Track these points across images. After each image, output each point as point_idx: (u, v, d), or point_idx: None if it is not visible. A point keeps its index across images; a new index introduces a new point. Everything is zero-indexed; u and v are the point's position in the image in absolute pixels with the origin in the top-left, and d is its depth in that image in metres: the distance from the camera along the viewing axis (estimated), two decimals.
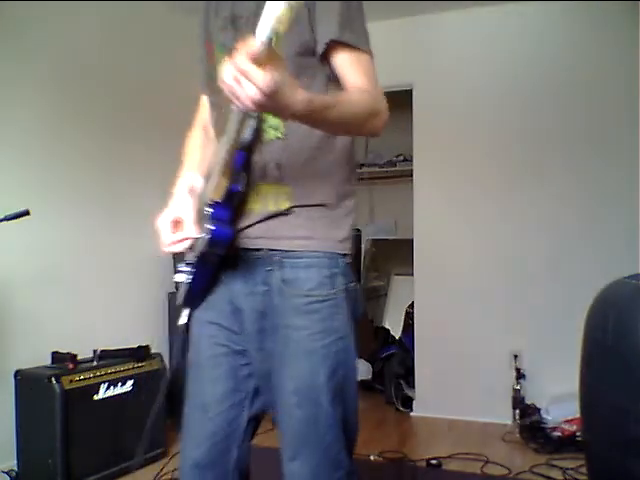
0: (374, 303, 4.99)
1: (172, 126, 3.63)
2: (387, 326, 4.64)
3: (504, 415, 3.44)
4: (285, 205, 1.20)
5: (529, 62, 3.56)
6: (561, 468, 2.74)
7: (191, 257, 1.24)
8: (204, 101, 1.43)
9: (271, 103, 0.90)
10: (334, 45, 1.16)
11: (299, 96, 0.95)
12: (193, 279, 1.25)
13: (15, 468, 2.51)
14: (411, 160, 4.02)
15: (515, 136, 3.60)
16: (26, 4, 2.73)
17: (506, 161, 3.62)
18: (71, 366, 2.54)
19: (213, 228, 1.14)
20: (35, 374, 2.49)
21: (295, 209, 1.21)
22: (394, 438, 3.23)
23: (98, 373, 2.60)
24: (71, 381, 2.46)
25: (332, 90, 1.21)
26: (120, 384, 2.68)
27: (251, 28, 1.18)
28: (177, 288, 1.37)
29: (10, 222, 1.97)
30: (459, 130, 3.71)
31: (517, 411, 3.36)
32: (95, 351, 2.72)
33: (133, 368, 2.77)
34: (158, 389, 2.88)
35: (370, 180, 4.96)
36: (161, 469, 2.73)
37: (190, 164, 1.39)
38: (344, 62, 1.18)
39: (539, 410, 3.27)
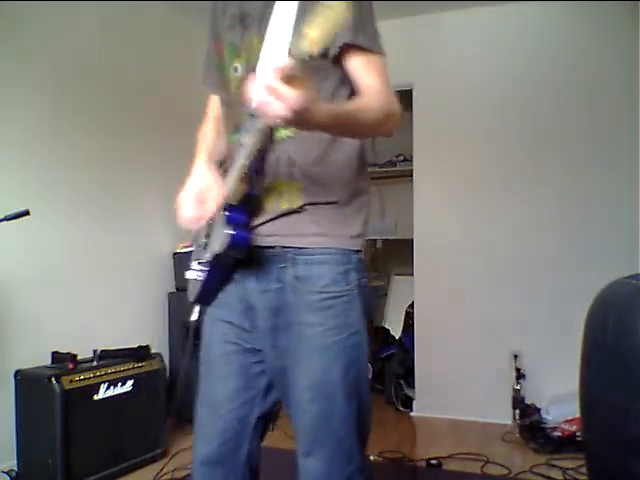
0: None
1: (172, 126, 3.65)
2: (387, 326, 4.64)
3: (504, 415, 3.44)
4: (297, 203, 1.21)
5: (529, 62, 3.56)
6: (561, 468, 2.74)
7: (206, 257, 1.25)
8: (214, 99, 1.45)
9: (298, 119, 0.93)
10: (347, 48, 1.17)
11: (324, 111, 0.99)
12: (207, 278, 1.26)
13: (15, 468, 2.50)
14: (411, 160, 4.01)
15: (515, 136, 3.60)
16: (26, 4, 2.73)
17: (506, 161, 3.62)
18: (71, 366, 2.54)
19: (233, 233, 1.16)
20: (35, 374, 2.48)
21: (307, 206, 1.22)
22: (394, 438, 3.23)
23: (98, 373, 2.60)
24: (71, 381, 2.46)
25: (343, 90, 1.23)
26: (120, 384, 2.68)
27: (259, 27, 1.19)
28: (187, 285, 1.38)
29: (10, 222, 1.97)
30: (459, 130, 3.71)
31: (517, 411, 3.36)
32: (95, 351, 2.71)
33: (133, 368, 2.76)
34: (158, 389, 2.89)
35: (370, 180, 4.94)
36: (161, 469, 2.73)
37: (205, 153, 1.39)
38: (357, 65, 1.19)
39: (539, 410, 3.27)
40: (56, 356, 2.64)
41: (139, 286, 3.45)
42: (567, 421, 3.03)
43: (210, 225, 1.28)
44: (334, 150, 1.23)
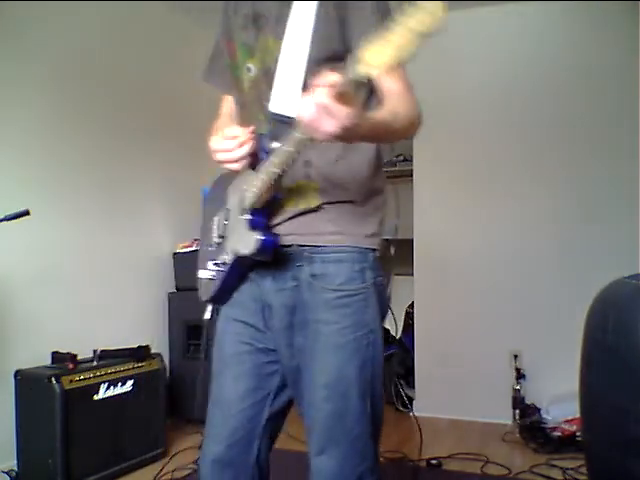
0: None
1: (172, 126, 3.66)
2: (387, 326, 4.64)
3: (504, 415, 3.43)
4: (315, 202, 1.22)
5: (529, 62, 3.56)
6: (561, 468, 2.73)
7: (223, 257, 1.26)
8: (227, 98, 1.45)
9: (348, 135, 0.95)
10: None
11: (367, 124, 1.01)
12: (225, 277, 1.27)
13: (15, 468, 2.50)
14: (411, 160, 4.01)
15: (515, 136, 3.59)
16: (26, 4, 2.73)
17: (506, 161, 3.62)
18: (71, 366, 2.54)
19: (263, 238, 1.16)
20: (35, 374, 2.48)
21: (324, 206, 1.22)
22: (394, 438, 3.23)
23: (98, 373, 2.60)
24: (71, 381, 2.46)
25: (374, 99, 1.22)
26: (120, 384, 2.68)
27: (276, 27, 1.19)
28: (199, 284, 1.39)
29: (10, 222, 1.97)
30: (459, 130, 3.71)
31: (517, 411, 3.35)
32: (95, 351, 2.71)
33: (133, 368, 2.76)
34: (158, 389, 2.89)
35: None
36: (161, 469, 2.73)
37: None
38: None
39: (539, 410, 3.27)
40: (56, 356, 2.64)
41: (139, 286, 3.45)
42: (567, 421, 3.03)
43: (224, 225, 1.29)
44: (351, 151, 1.23)
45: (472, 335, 3.63)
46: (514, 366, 3.44)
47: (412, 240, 3.85)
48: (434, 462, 2.86)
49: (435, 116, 3.88)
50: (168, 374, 3.18)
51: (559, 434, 3.03)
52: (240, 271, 1.28)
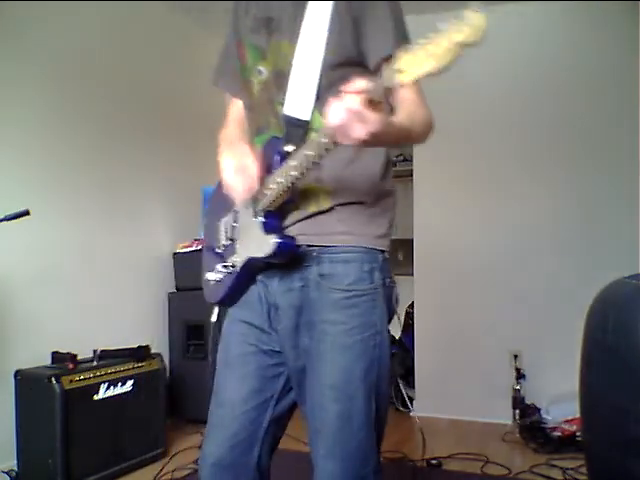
0: None
1: (172, 126, 3.66)
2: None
3: (504, 415, 3.43)
4: (325, 204, 1.22)
5: (529, 62, 3.56)
6: (561, 468, 2.73)
7: (234, 260, 1.26)
8: (235, 103, 1.44)
9: (373, 141, 0.95)
10: (388, 59, 1.17)
11: (393, 132, 1.03)
12: (236, 280, 1.27)
13: (15, 468, 2.50)
14: (411, 160, 4.02)
15: (515, 136, 3.59)
16: (26, 4, 2.73)
17: (506, 161, 3.62)
18: (71, 366, 2.54)
19: (280, 241, 1.16)
20: (35, 374, 2.48)
21: (335, 207, 1.22)
22: (394, 438, 3.23)
23: (98, 373, 2.60)
24: (71, 381, 2.46)
25: (387, 104, 1.22)
26: (120, 384, 2.68)
27: (289, 30, 1.19)
28: (205, 286, 1.38)
29: (10, 222, 1.97)
30: (459, 130, 3.70)
31: (517, 411, 3.35)
32: (95, 351, 2.71)
33: (133, 368, 2.76)
34: (158, 389, 2.89)
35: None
36: (161, 469, 2.73)
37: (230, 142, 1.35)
38: None
39: (539, 410, 3.27)
40: (56, 356, 2.65)
41: (139, 286, 3.45)
42: (567, 421, 3.03)
43: (233, 228, 1.28)
44: (363, 153, 1.23)
45: (472, 335, 3.63)
46: (514, 366, 3.44)
47: (412, 240, 3.84)
48: (434, 462, 2.86)
49: (435, 116, 3.89)
50: (168, 374, 3.19)
51: (559, 434, 3.03)
52: (250, 273, 1.27)
